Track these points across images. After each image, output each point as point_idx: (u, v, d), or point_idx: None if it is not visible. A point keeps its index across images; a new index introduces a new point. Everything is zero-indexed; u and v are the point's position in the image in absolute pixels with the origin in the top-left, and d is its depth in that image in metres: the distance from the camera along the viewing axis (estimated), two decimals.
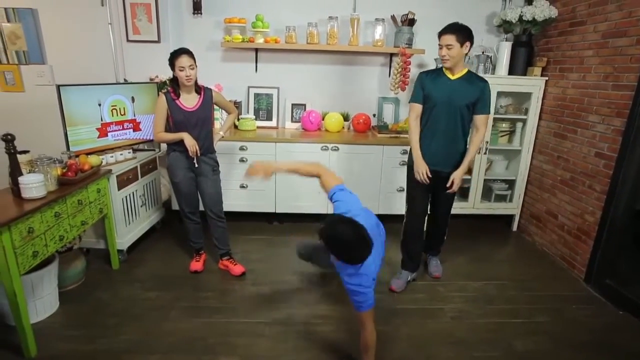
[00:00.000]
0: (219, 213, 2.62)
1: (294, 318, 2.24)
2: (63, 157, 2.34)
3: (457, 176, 2.34)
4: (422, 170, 2.33)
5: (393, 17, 3.38)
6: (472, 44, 2.20)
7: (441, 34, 2.19)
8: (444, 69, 2.30)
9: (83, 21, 3.39)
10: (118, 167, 2.66)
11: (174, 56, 2.28)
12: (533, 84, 3.17)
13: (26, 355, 1.88)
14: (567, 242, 2.91)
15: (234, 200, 3.34)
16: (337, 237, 1.48)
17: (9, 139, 1.91)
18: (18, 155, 2.00)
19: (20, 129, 3.12)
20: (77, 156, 2.43)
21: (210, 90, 2.52)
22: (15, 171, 1.95)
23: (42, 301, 2.14)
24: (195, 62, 2.34)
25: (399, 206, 3.44)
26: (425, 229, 2.70)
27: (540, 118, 3.25)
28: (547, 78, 3.15)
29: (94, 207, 2.39)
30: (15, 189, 1.96)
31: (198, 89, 2.44)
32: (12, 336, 1.96)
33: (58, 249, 2.20)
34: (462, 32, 2.15)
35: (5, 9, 3.37)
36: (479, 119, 2.31)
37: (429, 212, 2.64)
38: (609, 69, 2.53)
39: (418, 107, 2.37)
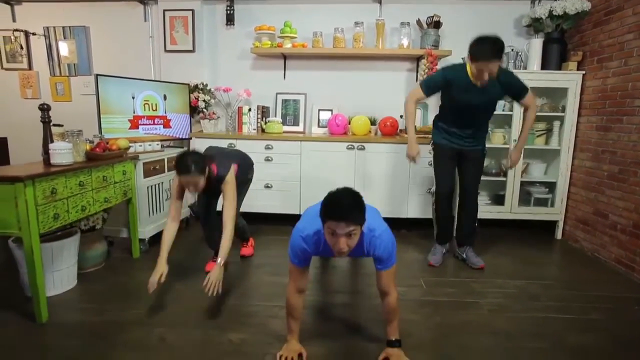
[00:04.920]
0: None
1: (311, 304, 2.07)
2: (95, 139, 2.44)
3: (515, 156, 2.53)
4: (413, 154, 2.49)
5: (419, 21, 3.42)
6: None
7: (488, 59, 2.07)
8: (467, 69, 2.26)
9: (127, 35, 3.69)
10: (146, 156, 2.73)
11: (176, 171, 2.00)
12: (569, 79, 3.02)
13: (37, 320, 1.84)
14: (622, 242, 2.59)
15: (258, 201, 3.30)
16: (324, 202, 1.40)
17: (44, 108, 2.02)
18: (52, 127, 2.10)
19: None
20: (107, 142, 2.52)
21: (223, 179, 2.12)
22: (47, 139, 2.03)
23: (59, 274, 2.13)
24: (203, 173, 2.00)
25: (430, 210, 3.26)
26: (456, 219, 2.73)
27: (579, 115, 3.05)
28: (584, 72, 2.99)
29: (119, 188, 2.42)
30: (46, 157, 2.03)
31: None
32: (27, 305, 1.94)
33: (80, 219, 2.24)
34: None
35: (63, 27, 3.76)
36: (525, 101, 2.34)
37: (459, 199, 2.67)
38: None
39: (422, 96, 2.39)
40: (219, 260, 1.94)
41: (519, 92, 2.31)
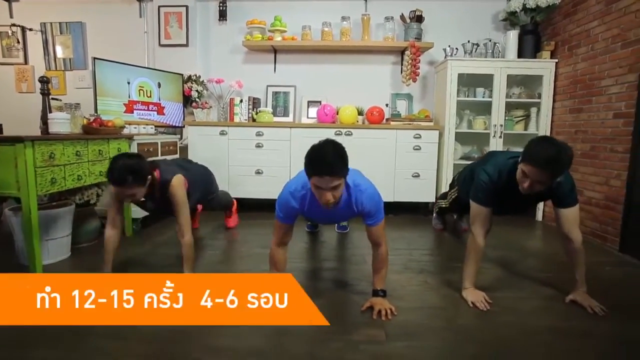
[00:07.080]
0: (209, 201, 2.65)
1: (299, 268, 2.16)
2: (91, 118, 2.52)
3: (585, 298, 1.80)
4: (480, 299, 1.76)
5: (402, 16, 3.60)
6: None
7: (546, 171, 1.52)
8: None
9: (122, 31, 3.81)
10: (140, 138, 2.81)
11: (109, 180, 1.76)
12: (543, 67, 3.22)
13: None
14: (595, 215, 2.73)
15: (249, 187, 3.39)
16: (308, 158, 1.44)
17: (44, 80, 2.11)
18: (51, 100, 2.19)
19: None
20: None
21: (168, 184, 1.90)
22: (46, 110, 2.12)
23: (54, 243, 2.18)
24: (142, 183, 1.77)
25: (415, 194, 3.38)
26: None
27: (554, 100, 3.24)
28: (557, 60, 3.19)
29: None
30: (44, 128, 2.11)
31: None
32: (23, 271, 1.98)
33: (75, 190, 2.31)
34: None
35: (60, 23, 3.87)
36: (563, 218, 1.71)
37: None
38: (615, 31, 2.57)
39: (487, 213, 1.76)
40: (186, 272, 1.85)
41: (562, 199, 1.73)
